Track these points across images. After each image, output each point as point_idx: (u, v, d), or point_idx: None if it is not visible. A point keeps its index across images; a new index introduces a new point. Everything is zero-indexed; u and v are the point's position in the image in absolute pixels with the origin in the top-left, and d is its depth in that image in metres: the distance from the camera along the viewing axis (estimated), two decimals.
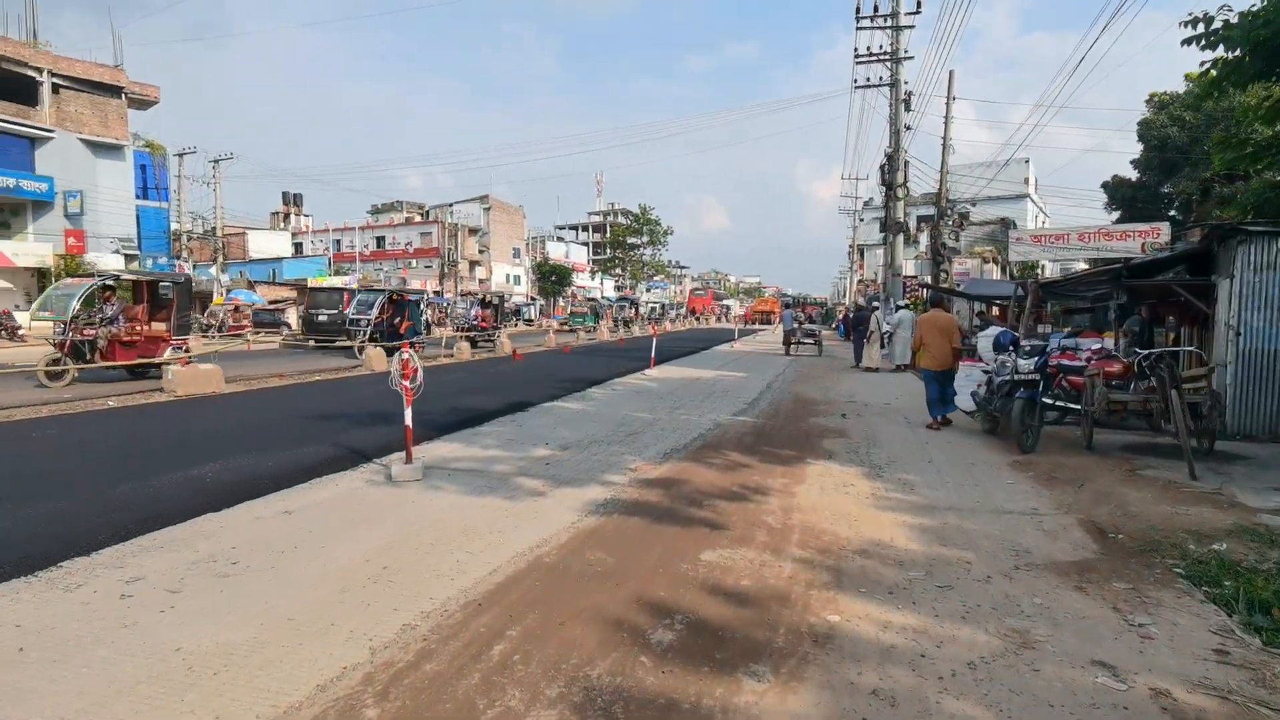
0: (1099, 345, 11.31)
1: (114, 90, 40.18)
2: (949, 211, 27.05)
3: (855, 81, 26.45)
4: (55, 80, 37.98)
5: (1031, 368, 7.70)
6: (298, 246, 75.13)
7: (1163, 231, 27.48)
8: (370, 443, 7.46)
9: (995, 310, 20.31)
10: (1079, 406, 8.31)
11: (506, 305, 36.80)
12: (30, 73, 37.01)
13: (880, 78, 25.59)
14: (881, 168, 25.64)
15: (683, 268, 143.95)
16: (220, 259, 44.31)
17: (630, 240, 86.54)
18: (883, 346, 18.39)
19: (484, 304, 28.30)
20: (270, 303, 50.46)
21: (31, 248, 36.87)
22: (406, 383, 6.07)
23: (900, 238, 24.46)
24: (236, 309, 34.76)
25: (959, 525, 5.00)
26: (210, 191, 44.66)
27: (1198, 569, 4.15)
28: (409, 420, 6.12)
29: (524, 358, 17.10)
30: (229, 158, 41.98)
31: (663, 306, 66.72)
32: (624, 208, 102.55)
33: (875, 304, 20.53)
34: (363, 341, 19.12)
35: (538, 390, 12.24)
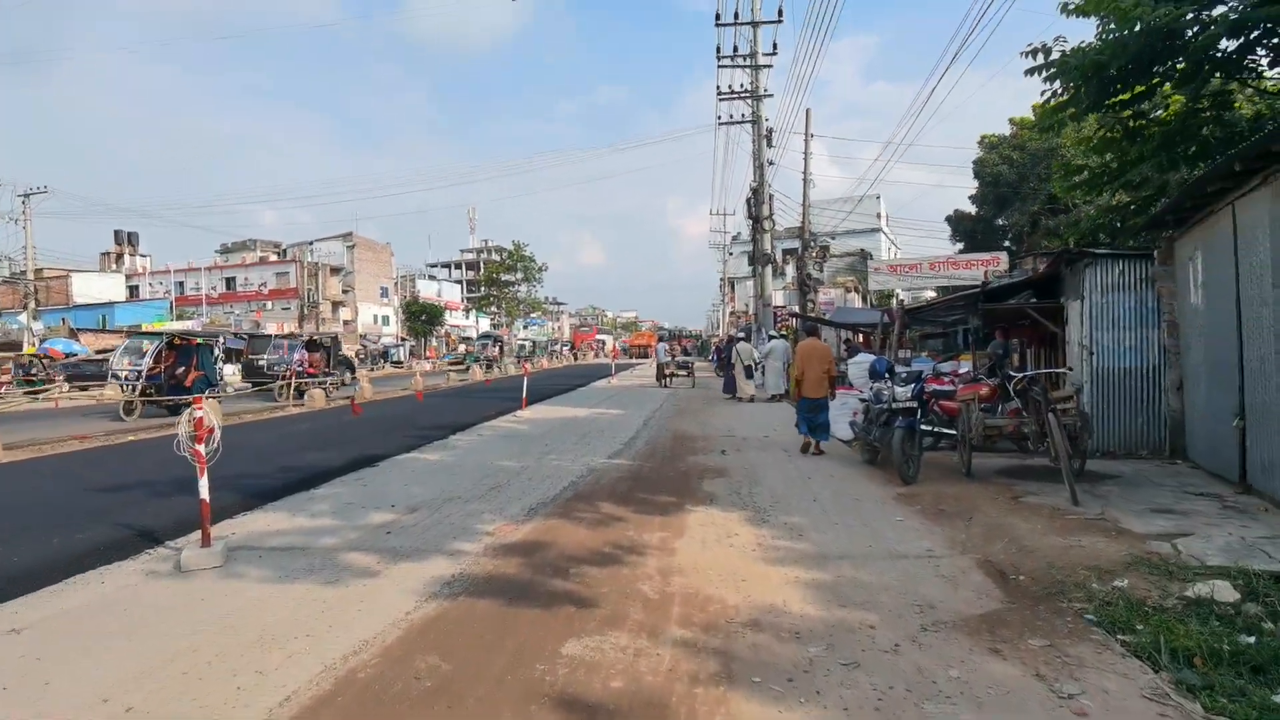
0: (964, 369, 11.57)
1: None
2: (812, 244, 27.98)
3: (719, 118, 27.05)
4: None
5: (909, 395, 7.49)
6: (133, 289, 68.39)
7: (1002, 260, 29.66)
8: (166, 520, 6.14)
9: (860, 337, 20.94)
10: (954, 432, 8.21)
11: (358, 346, 34.50)
12: None
13: (743, 115, 26.21)
14: (748, 201, 26.15)
15: (560, 304, 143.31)
16: (32, 304, 39.19)
17: (505, 277, 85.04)
18: (750, 376, 18.35)
19: (310, 345, 23.83)
20: (97, 352, 45.29)
21: None
22: (200, 446, 4.93)
23: (769, 269, 24.92)
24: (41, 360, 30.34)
25: (855, 577, 4.48)
26: (20, 230, 39.58)
27: (1106, 612, 3.79)
28: (204, 493, 4.97)
29: (361, 410, 15.31)
30: (41, 191, 37.44)
31: (533, 344, 65.58)
32: (498, 245, 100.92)
33: (741, 335, 20.58)
34: (131, 395, 16.06)
35: (394, 440, 11.04)
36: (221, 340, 20.31)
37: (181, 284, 68.95)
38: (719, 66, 24.95)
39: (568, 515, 6.15)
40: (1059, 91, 9.11)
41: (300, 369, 21.04)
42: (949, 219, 40.89)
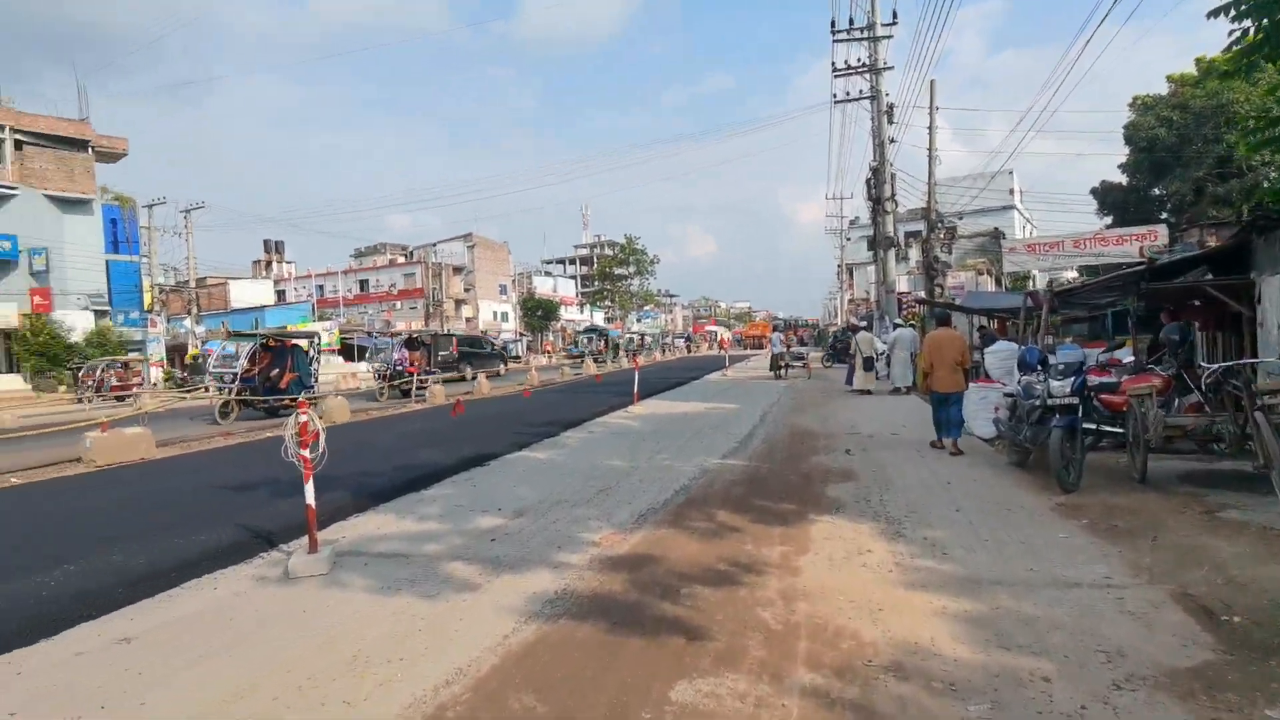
0: (1126, 358, 10.21)
1: (80, 144, 39.33)
2: (939, 224, 26.14)
3: (835, 96, 25.75)
4: (18, 136, 37.07)
5: (1069, 389, 6.52)
6: (280, 294, 74.05)
7: (1160, 234, 26.62)
8: (285, 520, 6.19)
9: (995, 324, 19.27)
10: (1120, 431, 7.14)
11: (477, 343, 35.49)
12: None
13: (860, 91, 24.86)
14: (867, 182, 24.77)
15: (672, 296, 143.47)
16: (195, 310, 43.08)
17: (617, 271, 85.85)
18: (869, 367, 17.20)
19: (411, 344, 23.08)
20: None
21: None
22: (305, 452, 4.85)
23: (891, 253, 23.47)
24: (126, 365, 32.43)
25: (1016, 610, 3.78)
26: (183, 242, 43.64)
27: None
28: (310, 498, 4.89)
29: (463, 409, 15.02)
30: (200, 206, 41.06)
31: (641, 336, 65.57)
32: (610, 239, 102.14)
33: (862, 324, 19.36)
34: (228, 398, 16.08)
35: (506, 438, 10.99)
36: (316, 340, 19.69)
37: (321, 287, 73.98)
38: (834, 41, 23.74)
39: (679, 524, 5.72)
40: (1251, 30, 7.72)
41: (399, 368, 21.10)
42: (1094, 191, 37.35)
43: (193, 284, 42.52)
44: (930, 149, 25.89)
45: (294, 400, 16.34)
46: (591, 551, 5.06)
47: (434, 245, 77.19)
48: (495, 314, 78.94)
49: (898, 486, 6.83)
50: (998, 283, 34.00)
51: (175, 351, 41.60)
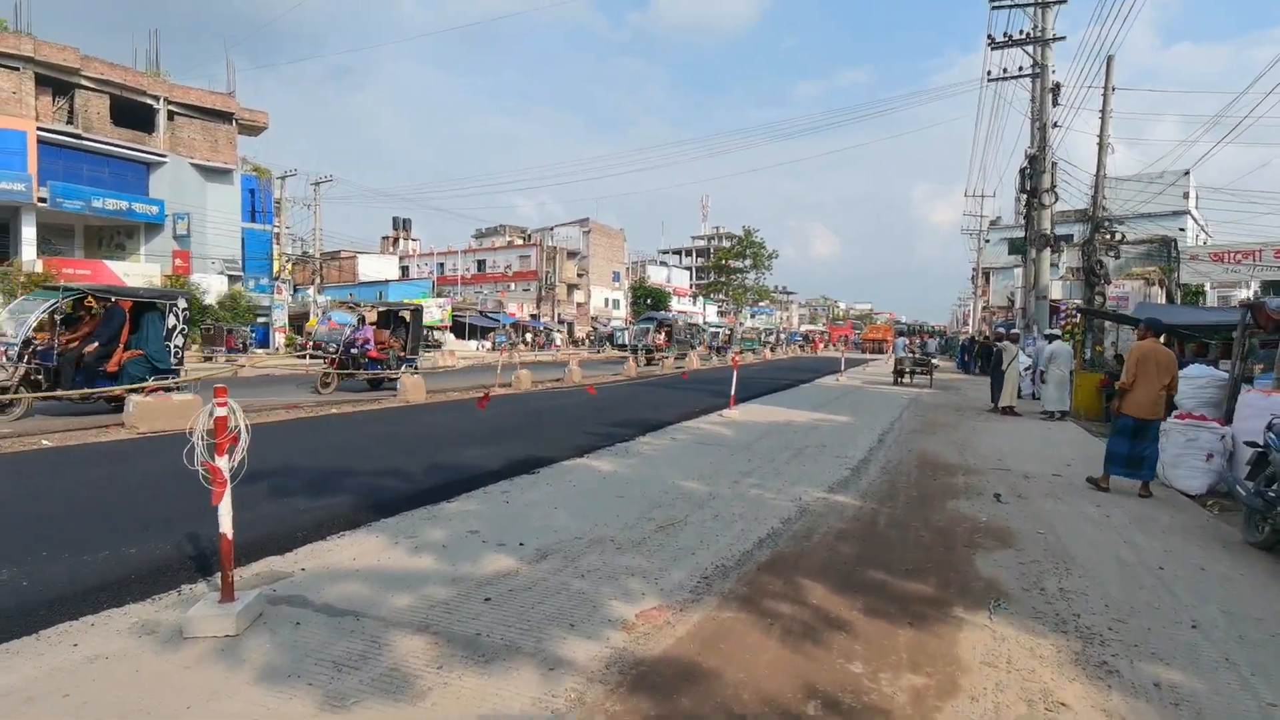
0: None
1: (225, 116, 41.33)
2: (1105, 224, 22.51)
3: (989, 74, 22.63)
4: (170, 107, 39.31)
5: None
6: (404, 270, 76.72)
7: None
8: (261, 531, 4.89)
9: (1178, 344, 15.92)
10: None
11: (589, 328, 34.41)
12: (148, 100, 38.40)
13: (1020, 67, 21.72)
14: (1022, 171, 21.59)
15: (789, 293, 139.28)
16: (319, 280, 44.65)
17: (733, 264, 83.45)
18: (1031, 385, 14.49)
19: (384, 321, 18.08)
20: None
21: (142, 268, 37.96)
22: (221, 460, 3.43)
23: (1046, 253, 20.29)
24: (230, 330, 34.71)
25: None
26: (324, 214, 45.30)
27: None
28: (225, 526, 3.46)
29: (488, 403, 13.31)
30: (328, 180, 42.33)
31: (732, 332, 62.89)
32: (729, 231, 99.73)
33: (1014, 331, 16.49)
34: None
35: (572, 440, 9.49)
36: (176, 308, 16.39)
37: (441, 265, 76.06)
38: (993, 7, 20.71)
39: (755, 602, 3.92)
40: None
41: (359, 350, 16.25)
42: None
43: (317, 255, 44.00)
44: (1101, 136, 22.30)
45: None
46: (617, 640, 3.37)
47: (551, 229, 77.63)
48: (607, 300, 78.61)
49: (1082, 565, 4.73)
50: (1169, 295, 29.50)
51: (299, 319, 43.23)
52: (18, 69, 33.36)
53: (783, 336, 78.64)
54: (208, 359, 30.16)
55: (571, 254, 73.77)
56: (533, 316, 66.30)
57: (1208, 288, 29.30)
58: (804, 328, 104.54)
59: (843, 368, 26.61)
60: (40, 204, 33.30)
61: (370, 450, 8.35)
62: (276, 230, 42.08)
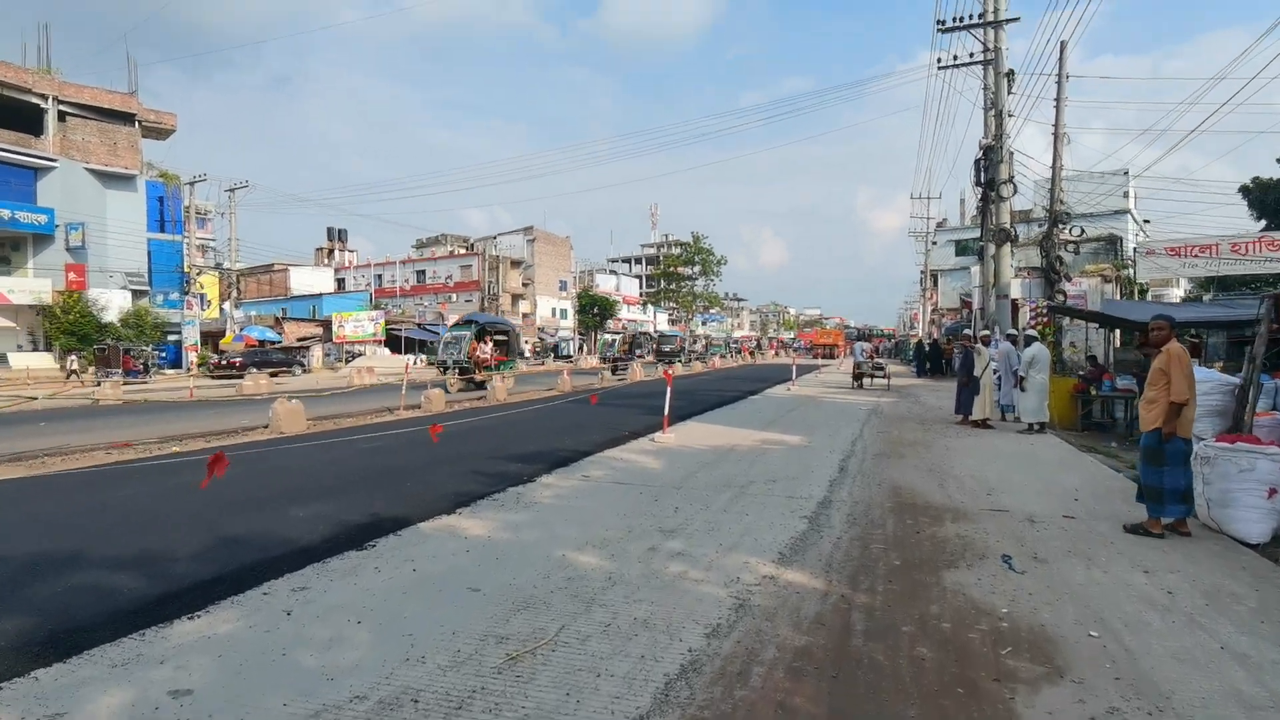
0: None
1: (126, 117, 38.06)
2: (1064, 218, 21.35)
3: (939, 61, 21.33)
4: (62, 107, 35.91)
5: None
6: (340, 282, 73.21)
7: None
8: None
9: (1136, 338, 14.57)
10: None
11: (534, 339, 31.89)
12: (34, 100, 34.97)
13: (971, 54, 20.48)
14: (977, 163, 20.30)
15: (740, 300, 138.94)
16: (235, 294, 41.41)
17: (682, 270, 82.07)
18: (999, 392, 12.90)
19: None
20: (299, 340, 47.67)
21: (30, 284, 34.47)
22: None
23: (1006, 249, 18.93)
24: (126, 351, 32.71)
25: None
26: (261, 226, 42.06)
27: None
28: None
29: (441, 433, 11.76)
30: (243, 186, 39.29)
31: (655, 338, 61.19)
32: (678, 239, 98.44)
33: (984, 334, 14.83)
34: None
35: (458, 480, 7.42)
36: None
37: (380, 276, 72.82)
38: None
39: None
40: None
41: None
42: (1244, 190, 31.62)
43: (232, 266, 40.81)
44: (1057, 126, 21.16)
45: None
46: None
47: (494, 238, 75.17)
48: (554, 310, 76.31)
49: (1183, 703, 2.88)
50: (1122, 291, 28.77)
51: (212, 336, 39.96)
52: None
53: (731, 344, 77.31)
54: (97, 384, 27.05)
55: (516, 263, 71.29)
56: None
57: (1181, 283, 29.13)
58: (739, 335, 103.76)
59: (794, 376, 24.97)
60: None
61: (136, 515, 6.13)
62: (187, 240, 38.78)
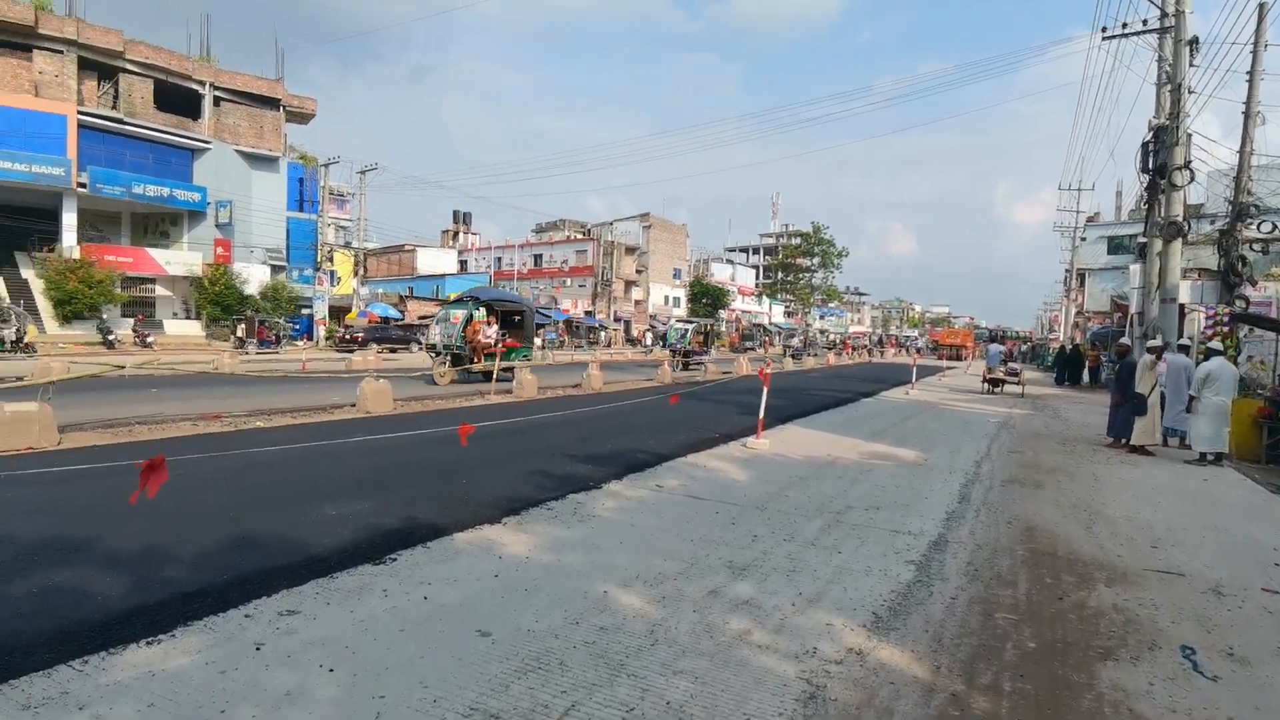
0: None
1: (271, 102, 40.43)
2: (1252, 213, 18.30)
3: (1104, 30, 18.78)
4: (217, 93, 38.55)
5: None
6: (463, 264, 75.76)
7: None
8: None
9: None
10: None
11: (645, 326, 30.61)
12: (193, 85, 37.70)
13: (1144, 21, 17.88)
14: (1144, 146, 17.75)
15: (861, 294, 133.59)
16: (362, 272, 43.36)
17: (800, 261, 79.32)
18: (1141, 411, 10.86)
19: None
20: (420, 318, 49.51)
21: (184, 256, 37.36)
22: None
23: (1177, 245, 16.35)
24: (263, 323, 34.37)
25: None
26: (386, 205, 44.07)
27: None
28: None
29: (471, 433, 11.08)
30: (374, 168, 40.90)
31: (785, 333, 58.29)
32: (798, 229, 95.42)
33: (1154, 343, 12.61)
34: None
35: (512, 482, 6.76)
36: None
37: (499, 259, 74.74)
38: None
39: None
40: None
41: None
42: None
43: (361, 245, 42.71)
44: (1249, 105, 18.17)
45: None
46: None
47: (610, 224, 75.35)
48: (667, 298, 75.81)
49: None
50: None
51: (340, 311, 42.02)
52: (61, 52, 32.88)
53: (843, 340, 73.85)
54: (238, 351, 28.84)
55: (631, 249, 71.22)
56: (587, 313, 64.07)
57: None
58: (855, 330, 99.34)
59: (914, 378, 23.04)
60: (80, 189, 32.75)
61: (164, 498, 5.80)
62: (321, 219, 40.88)
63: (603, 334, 58.77)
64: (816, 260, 75.96)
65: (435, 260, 72.75)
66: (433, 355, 18.41)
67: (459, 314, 18.34)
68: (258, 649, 3.22)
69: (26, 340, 23.70)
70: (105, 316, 30.68)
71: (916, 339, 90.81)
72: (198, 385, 14.74)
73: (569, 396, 15.78)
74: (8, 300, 26.80)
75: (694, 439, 9.84)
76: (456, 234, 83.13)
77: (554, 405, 13.76)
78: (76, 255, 32.10)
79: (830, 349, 48.74)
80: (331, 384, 14.46)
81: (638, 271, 71.81)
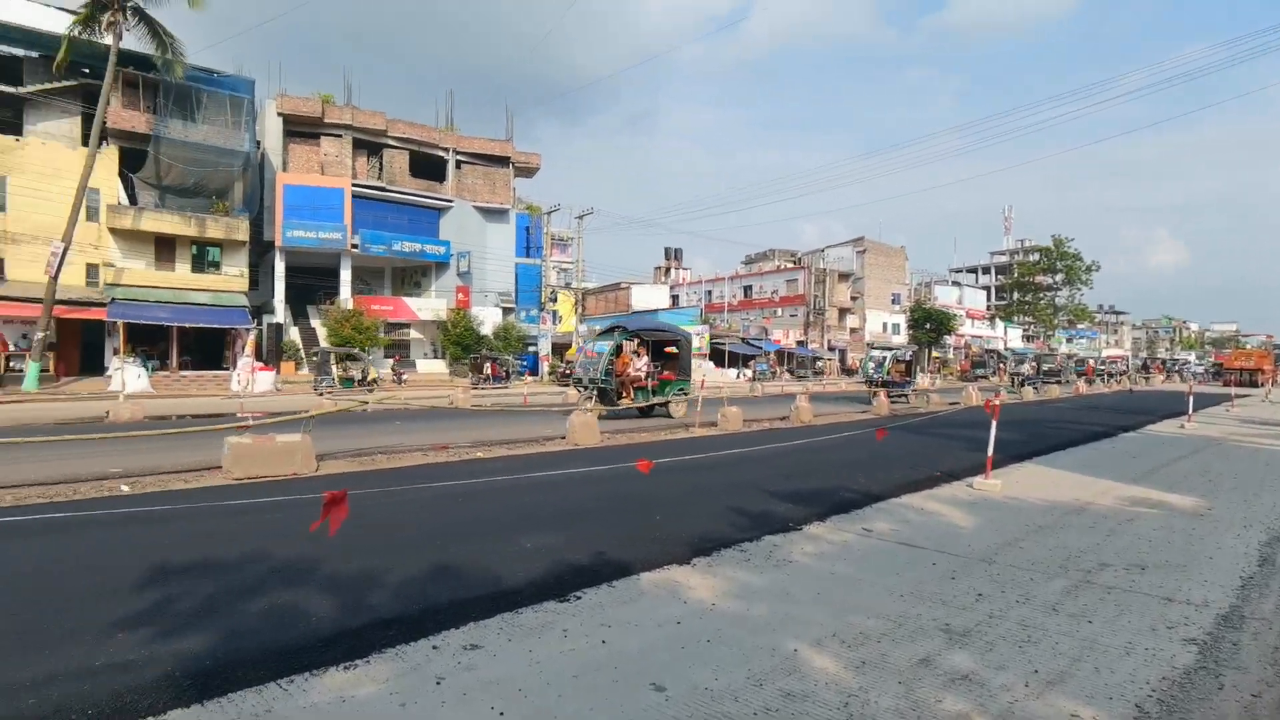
0: None
1: (502, 161, 44.52)
2: None
3: None
4: (458, 157, 43.25)
5: None
6: (674, 298, 77.88)
7: None
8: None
9: None
10: None
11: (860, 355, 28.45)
12: (439, 153, 42.64)
13: None
14: None
15: (1119, 313, 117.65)
16: (580, 310, 46.06)
17: (1040, 280, 71.67)
18: None
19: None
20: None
21: (431, 303, 41.98)
22: None
23: None
24: (494, 360, 36.14)
25: None
26: (601, 246, 47.11)
27: None
28: None
29: (650, 468, 10.54)
30: (589, 213, 43.52)
31: (1012, 356, 51.28)
32: (1035, 244, 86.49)
33: None
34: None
35: (707, 520, 6.50)
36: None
37: (709, 292, 75.86)
38: None
39: None
40: None
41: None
42: None
43: (578, 285, 45.43)
44: None
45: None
46: None
47: (821, 250, 73.47)
48: (885, 325, 72.09)
49: None
50: None
51: (561, 348, 44.89)
52: (340, 136, 38.86)
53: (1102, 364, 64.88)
54: (474, 386, 31.75)
55: (844, 276, 68.85)
56: (799, 343, 62.71)
57: None
58: (1109, 354, 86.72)
59: (1190, 408, 19.48)
60: (353, 249, 38.23)
61: (381, 525, 6.21)
62: (544, 263, 44.22)
63: (818, 364, 57.11)
64: (1060, 277, 68.20)
65: (648, 296, 75.46)
66: (579, 390, 17.35)
67: (605, 345, 17.13)
68: (438, 683, 3.25)
69: (370, 378, 28.93)
70: (369, 357, 35.40)
71: (1193, 362, 77.69)
72: (434, 418, 16.31)
73: (775, 430, 15.28)
74: (357, 350, 31.82)
75: (910, 477, 8.95)
76: (668, 270, 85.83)
77: (758, 439, 13.38)
78: (350, 306, 37.50)
79: (1079, 376, 42.93)
80: (545, 417, 15.26)
81: (852, 298, 69.14)
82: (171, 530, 5.95)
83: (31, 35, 29.45)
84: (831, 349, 64.65)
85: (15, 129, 30.22)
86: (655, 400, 16.23)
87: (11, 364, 22.95)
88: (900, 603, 4.45)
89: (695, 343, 49.55)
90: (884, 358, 25.81)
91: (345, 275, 38.60)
